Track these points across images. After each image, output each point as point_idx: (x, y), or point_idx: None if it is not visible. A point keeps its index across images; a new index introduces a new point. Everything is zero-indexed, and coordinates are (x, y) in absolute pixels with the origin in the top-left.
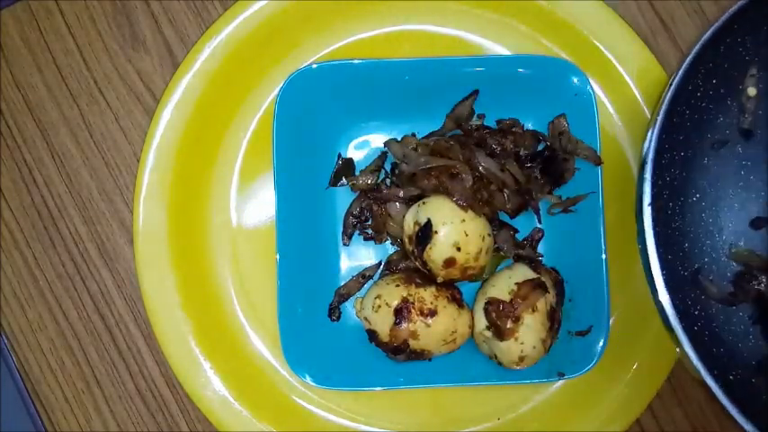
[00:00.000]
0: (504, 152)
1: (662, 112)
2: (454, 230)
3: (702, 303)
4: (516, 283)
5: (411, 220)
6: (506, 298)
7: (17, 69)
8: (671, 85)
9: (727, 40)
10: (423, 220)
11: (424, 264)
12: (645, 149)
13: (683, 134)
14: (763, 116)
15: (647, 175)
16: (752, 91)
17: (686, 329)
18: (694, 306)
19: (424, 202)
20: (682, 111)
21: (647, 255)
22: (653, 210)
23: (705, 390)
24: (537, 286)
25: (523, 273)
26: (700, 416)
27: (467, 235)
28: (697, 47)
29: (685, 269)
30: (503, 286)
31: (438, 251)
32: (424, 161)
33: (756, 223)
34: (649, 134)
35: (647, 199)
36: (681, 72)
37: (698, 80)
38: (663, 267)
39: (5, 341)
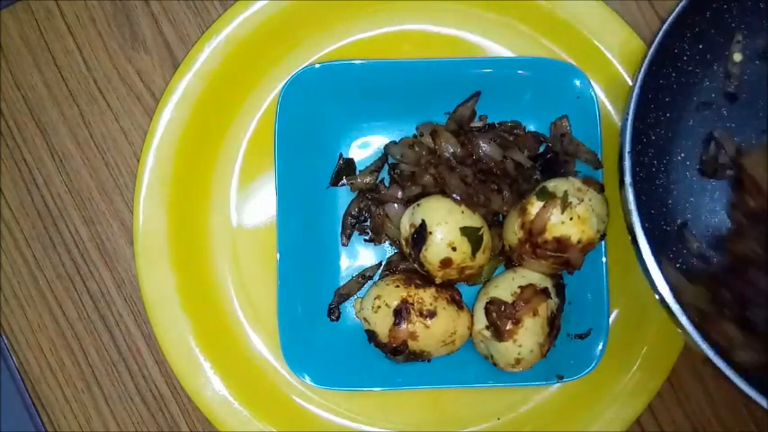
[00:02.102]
0: (506, 143)
1: (643, 69)
2: (449, 230)
3: (684, 258)
4: (520, 286)
5: (407, 222)
6: (509, 299)
7: (17, 69)
8: (651, 44)
9: (713, 5)
10: (417, 222)
11: (422, 265)
12: (627, 106)
13: (668, 95)
14: (747, 81)
15: (628, 125)
16: (737, 57)
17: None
18: (677, 260)
19: (418, 204)
20: (667, 73)
21: (629, 207)
22: (631, 157)
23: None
24: (540, 291)
25: (528, 276)
26: (700, 416)
27: (462, 234)
28: (678, 8)
29: (668, 224)
30: (506, 287)
31: (433, 252)
32: (420, 156)
33: None
34: (631, 92)
35: (627, 147)
36: (661, 33)
37: (684, 44)
38: (645, 221)
39: (5, 341)
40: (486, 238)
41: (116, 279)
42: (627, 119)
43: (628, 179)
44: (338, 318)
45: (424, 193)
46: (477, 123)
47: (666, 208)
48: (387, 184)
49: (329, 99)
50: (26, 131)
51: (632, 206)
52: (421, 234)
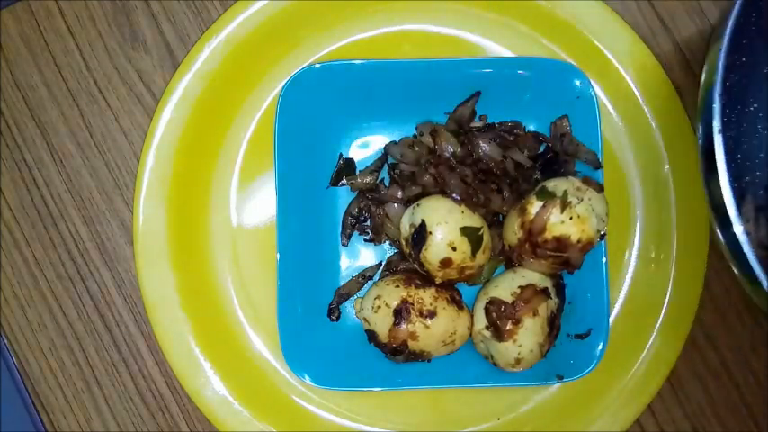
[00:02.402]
0: (506, 143)
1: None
2: (449, 230)
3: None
4: (520, 286)
5: (407, 222)
6: (509, 299)
7: (17, 69)
8: None
9: None
10: (417, 222)
11: (422, 265)
12: (723, 35)
13: (746, 37)
14: None
15: (721, 58)
16: None
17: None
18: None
19: (418, 204)
20: (749, 11)
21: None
22: (721, 99)
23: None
24: (540, 291)
25: (528, 276)
26: (700, 416)
27: (462, 234)
28: None
29: (735, 181)
30: (506, 287)
31: (433, 252)
32: (420, 156)
33: None
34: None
35: (717, 89)
36: None
37: None
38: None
39: (5, 341)
40: (486, 238)
41: (116, 279)
42: (721, 50)
43: (717, 125)
44: (338, 318)
45: (424, 193)
46: (477, 123)
47: (735, 163)
48: (387, 184)
49: (329, 99)
50: (26, 131)
51: (722, 162)
52: (421, 234)
